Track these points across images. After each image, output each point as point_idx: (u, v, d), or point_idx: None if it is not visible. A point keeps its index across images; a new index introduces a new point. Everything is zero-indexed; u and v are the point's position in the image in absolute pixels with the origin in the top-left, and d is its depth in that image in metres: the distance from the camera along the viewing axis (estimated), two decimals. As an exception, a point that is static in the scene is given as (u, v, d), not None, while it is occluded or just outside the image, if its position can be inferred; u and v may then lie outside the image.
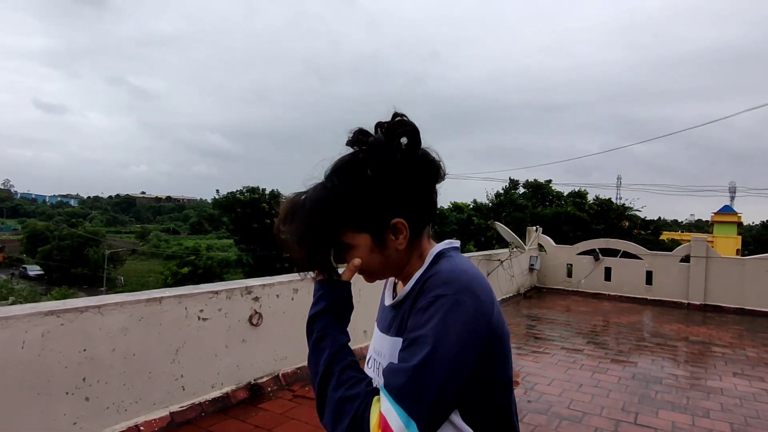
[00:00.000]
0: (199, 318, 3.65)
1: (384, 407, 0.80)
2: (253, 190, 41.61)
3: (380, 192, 0.92)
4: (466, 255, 7.88)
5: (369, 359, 1.05)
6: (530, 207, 26.92)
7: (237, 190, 41.95)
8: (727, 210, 45.36)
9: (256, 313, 4.10)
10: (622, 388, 4.69)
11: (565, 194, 28.80)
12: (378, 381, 0.92)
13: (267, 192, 41.98)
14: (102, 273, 44.15)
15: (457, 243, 1.02)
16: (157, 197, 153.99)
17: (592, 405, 4.21)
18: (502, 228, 9.40)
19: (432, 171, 0.96)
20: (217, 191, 45.68)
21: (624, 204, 27.80)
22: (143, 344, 3.28)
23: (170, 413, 3.41)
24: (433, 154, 0.97)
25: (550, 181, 29.50)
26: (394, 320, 0.98)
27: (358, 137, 0.94)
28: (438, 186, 0.99)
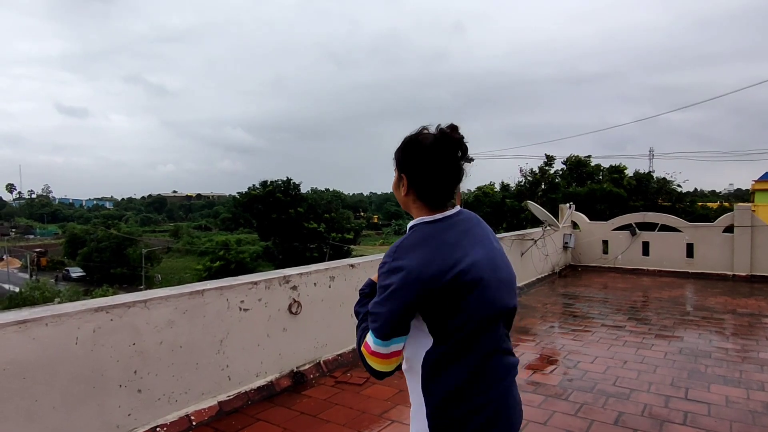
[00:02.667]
0: (240, 308, 3.70)
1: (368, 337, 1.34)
2: (264, 184, 43.72)
3: (415, 159, 1.36)
4: (498, 236, 7.74)
5: None
6: (563, 185, 26.11)
7: (249, 187, 44.37)
8: (768, 177, 43.39)
9: (295, 301, 4.14)
10: (669, 363, 4.57)
11: (602, 169, 27.58)
12: None
13: (280, 183, 43.87)
14: (140, 272, 45.48)
15: (429, 218, 1.34)
16: (187, 195, 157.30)
17: (639, 381, 4.11)
18: (535, 207, 9.24)
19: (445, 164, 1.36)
20: (237, 194, 48.49)
21: (665, 177, 26.55)
22: (189, 336, 3.35)
23: (218, 402, 3.48)
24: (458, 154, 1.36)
25: (589, 156, 27.98)
26: None
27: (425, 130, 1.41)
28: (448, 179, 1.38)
